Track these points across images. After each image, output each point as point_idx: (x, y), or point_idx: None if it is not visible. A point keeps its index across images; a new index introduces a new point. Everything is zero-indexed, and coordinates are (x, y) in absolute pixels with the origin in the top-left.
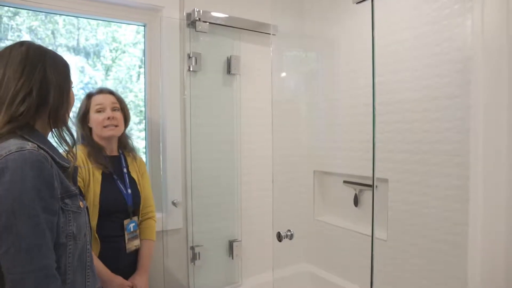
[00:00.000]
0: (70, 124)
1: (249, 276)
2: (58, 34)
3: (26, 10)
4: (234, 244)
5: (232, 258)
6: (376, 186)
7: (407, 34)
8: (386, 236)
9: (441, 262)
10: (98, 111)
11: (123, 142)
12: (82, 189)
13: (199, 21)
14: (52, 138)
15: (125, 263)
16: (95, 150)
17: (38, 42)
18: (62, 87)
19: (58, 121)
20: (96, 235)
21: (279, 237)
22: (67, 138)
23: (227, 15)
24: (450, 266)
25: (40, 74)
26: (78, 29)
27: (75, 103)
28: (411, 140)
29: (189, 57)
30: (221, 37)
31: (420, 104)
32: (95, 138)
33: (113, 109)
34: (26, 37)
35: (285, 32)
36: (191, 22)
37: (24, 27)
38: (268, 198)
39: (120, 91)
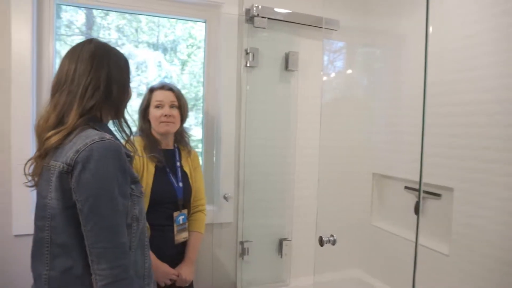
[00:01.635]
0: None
1: (297, 277)
2: (141, 32)
3: (115, 12)
4: (284, 243)
5: (281, 257)
6: (440, 195)
7: (477, 28)
8: (448, 251)
9: None
10: (157, 107)
11: (179, 137)
12: None
13: (258, 16)
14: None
15: (173, 253)
16: (151, 143)
17: (124, 39)
18: (124, 83)
19: (119, 113)
20: (146, 223)
21: (321, 242)
22: (125, 129)
23: (286, 11)
24: None
25: (105, 70)
26: (158, 26)
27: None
28: (479, 146)
29: (247, 53)
30: (279, 32)
31: (491, 106)
32: (153, 131)
33: (171, 106)
34: (114, 35)
35: (347, 27)
36: (250, 18)
37: (113, 26)
38: (325, 198)
39: (194, 85)
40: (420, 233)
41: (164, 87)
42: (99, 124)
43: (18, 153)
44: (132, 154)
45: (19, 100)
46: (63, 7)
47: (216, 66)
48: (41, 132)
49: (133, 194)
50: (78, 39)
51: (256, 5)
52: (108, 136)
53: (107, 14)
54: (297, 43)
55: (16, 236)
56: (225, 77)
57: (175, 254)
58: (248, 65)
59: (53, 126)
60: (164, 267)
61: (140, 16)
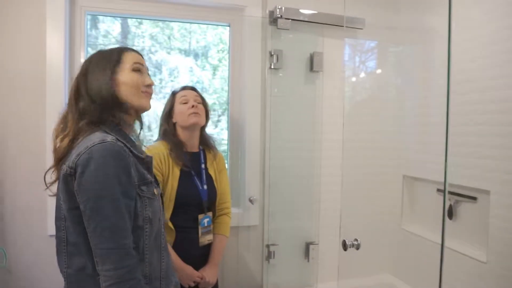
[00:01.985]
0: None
1: (324, 281)
2: (173, 38)
3: (148, 20)
4: (311, 246)
5: (308, 261)
6: (476, 198)
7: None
8: (485, 258)
9: None
10: (183, 103)
11: (204, 139)
12: (160, 182)
13: (281, 18)
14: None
15: (197, 255)
16: (176, 147)
17: (157, 46)
18: (103, 78)
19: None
20: (171, 226)
21: (345, 246)
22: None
23: (309, 11)
24: None
25: (84, 75)
26: (190, 32)
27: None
28: None
29: (271, 55)
30: (303, 33)
31: None
32: (178, 132)
33: (196, 102)
34: (148, 43)
35: (373, 25)
36: (273, 20)
37: (147, 34)
38: (351, 201)
39: (225, 89)
40: (454, 238)
41: (186, 87)
42: (111, 127)
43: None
44: (142, 156)
45: (53, 103)
46: (100, 18)
47: (240, 69)
48: (54, 138)
49: (144, 195)
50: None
51: (280, 7)
52: (110, 138)
53: (141, 23)
54: (322, 44)
55: (51, 236)
56: (250, 80)
57: (199, 256)
58: (272, 67)
59: (61, 132)
60: (188, 269)
61: (172, 23)
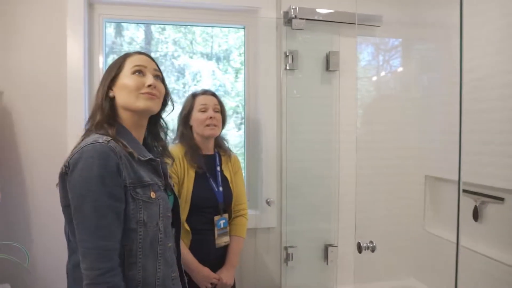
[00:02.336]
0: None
1: (344, 285)
2: (196, 43)
3: (170, 25)
4: (330, 249)
5: (327, 264)
6: (503, 199)
7: None
8: None
9: None
10: (202, 111)
11: (219, 143)
12: (176, 184)
13: (295, 18)
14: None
15: (214, 257)
16: (192, 150)
17: (180, 51)
18: (100, 89)
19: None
20: (188, 228)
21: (359, 248)
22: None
23: (324, 10)
24: None
25: (100, 85)
26: (212, 37)
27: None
28: None
29: (286, 56)
30: (318, 33)
31: None
32: (195, 136)
33: (215, 110)
34: (171, 48)
35: (392, 21)
36: (288, 20)
37: (170, 40)
38: (370, 204)
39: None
40: (480, 241)
41: (207, 92)
42: (117, 128)
43: None
44: (144, 159)
45: (73, 108)
46: (124, 25)
47: (256, 71)
48: None
49: (138, 198)
50: None
51: (294, 7)
52: (102, 139)
53: (164, 29)
54: (338, 43)
55: None
56: (266, 81)
57: (216, 258)
58: (287, 68)
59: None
60: (205, 271)
61: (194, 28)
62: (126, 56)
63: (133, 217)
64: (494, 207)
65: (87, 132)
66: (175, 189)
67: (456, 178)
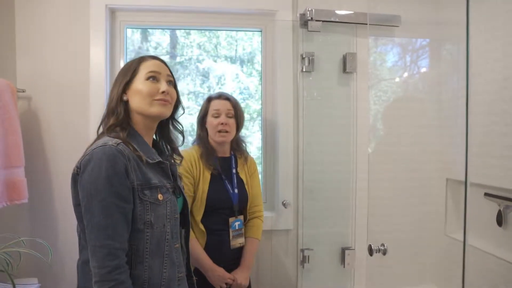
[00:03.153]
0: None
1: None
2: (220, 47)
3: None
4: (346, 252)
5: (344, 267)
6: None
7: None
8: None
9: None
10: (215, 116)
11: (235, 145)
12: (192, 185)
13: (312, 20)
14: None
15: (229, 258)
16: (207, 152)
17: (204, 55)
18: (115, 92)
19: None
20: (203, 228)
21: (370, 251)
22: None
23: (340, 12)
24: None
25: (115, 86)
26: (236, 40)
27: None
28: None
29: (302, 58)
30: (335, 34)
31: None
32: (210, 139)
33: (228, 116)
34: (196, 52)
35: (411, 22)
36: (304, 22)
37: (195, 44)
38: (389, 208)
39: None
40: (504, 247)
41: (221, 96)
42: (128, 131)
43: None
44: (153, 161)
45: (95, 110)
46: (150, 31)
47: (273, 73)
48: None
49: (146, 200)
50: (165, 58)
51: (310, 9)
52: (111, 142)
53: (189, 33)
54: (355, 44)
55: None
56: (282, 84)
57: (231, 259)
58: (304, 70)
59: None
60: (220, 271)
61: (219, 32)
62: (141, 60)
63: (141, 218)
64: None
65: (100, 136)
66: (191, 190)
67: (478, 181)
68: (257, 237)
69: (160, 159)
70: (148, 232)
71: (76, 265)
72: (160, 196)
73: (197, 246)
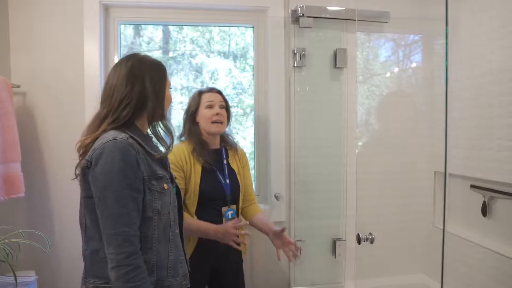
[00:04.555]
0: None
1: (352, 278)
2: (213, 42)
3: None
4: (337, 243)
5: (335, 258)
6: None
7: None
8: None
9: None
10: (208, 107)
11: (224, 138)
12: (183, 179)
13: (303, 16)
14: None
15: (222, 248)
16: (200, 145)
17: (197, 50)
18: (158, 93)
19: (154, 119)
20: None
21: (359, 240)
22: (161, 131)
23: (331, 8)
24: None
25: (139, 87)
26: (229, 35)
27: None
28: None
29: (294, 54)
30: (326, 30)
31: None
32: (203, 131)
33: (221, 107)
34: (189, 47)
35: (400, 17)
36: (295, 19)
37: (188, 39)
38: (379, 199)
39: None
40: (488, 237)
41: (213, 89)
42: (130, 126)
43: None
44: (155, 154)
45: (90, 104)
46: (143, 26)
47: (265, 69)
48: (83, 135)
49: (154, 189)
50: (158, 53)
51: (301, 5)
52: (121, 136)
53: (181, 28)
54: (345, 40)
55: None
56: (274, 79)
57: (224, 250)
58: (295, 65)
59: (91, 132)
60: (224, 226)
61: (211, 27)
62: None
63: (149, 206)
64: (503, 203)
65: (105, 129)
66: (181, 184)
67: (465, 174)
68: (260, 210)
69: (162, 152)
70: (155, 219)
71: (76, 257)
72: (165, 186)
73: (194, 220)
